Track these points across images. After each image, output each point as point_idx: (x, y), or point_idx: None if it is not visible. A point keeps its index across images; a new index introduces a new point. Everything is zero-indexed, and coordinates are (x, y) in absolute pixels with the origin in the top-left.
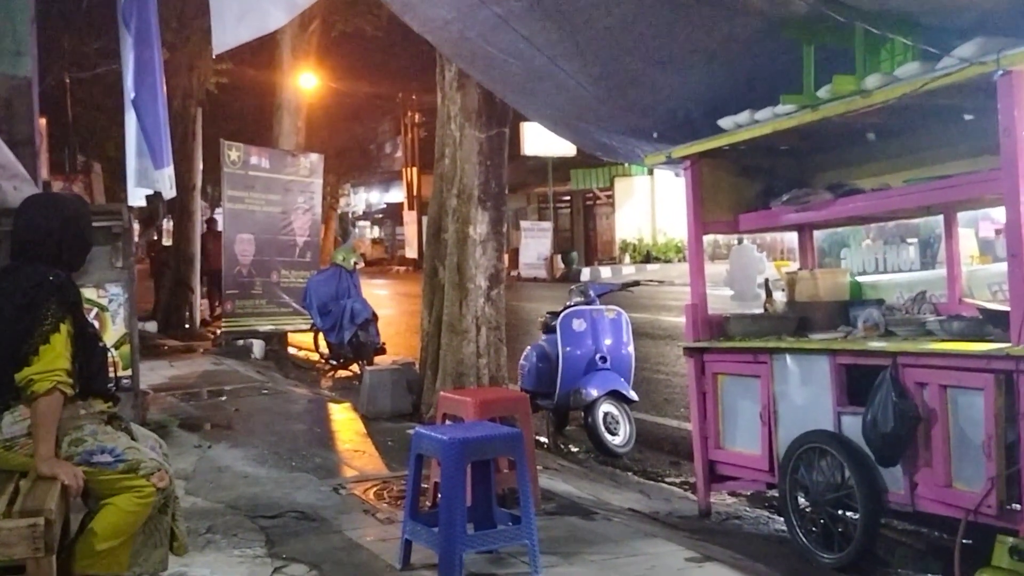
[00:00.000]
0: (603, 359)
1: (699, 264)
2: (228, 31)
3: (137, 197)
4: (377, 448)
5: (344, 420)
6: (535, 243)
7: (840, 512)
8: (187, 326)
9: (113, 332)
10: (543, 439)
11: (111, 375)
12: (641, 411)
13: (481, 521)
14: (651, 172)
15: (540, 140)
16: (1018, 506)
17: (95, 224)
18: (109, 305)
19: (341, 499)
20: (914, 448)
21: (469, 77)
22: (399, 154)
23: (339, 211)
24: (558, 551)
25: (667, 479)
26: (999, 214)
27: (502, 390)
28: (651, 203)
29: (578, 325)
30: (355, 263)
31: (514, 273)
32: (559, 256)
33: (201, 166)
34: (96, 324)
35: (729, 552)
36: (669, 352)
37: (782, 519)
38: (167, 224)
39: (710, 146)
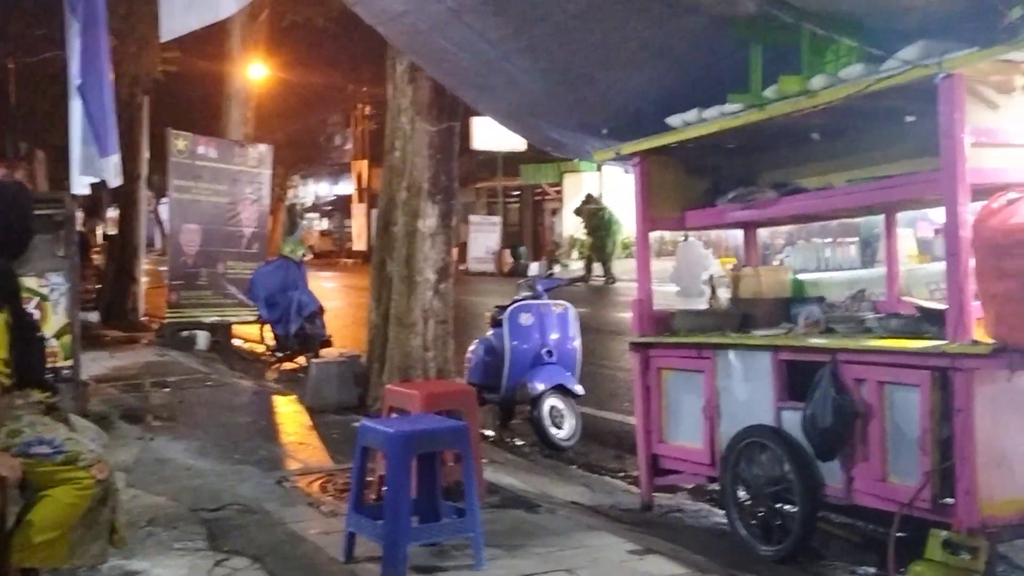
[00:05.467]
0: (549, 353)
1: (646, 260)
2: (176, 19)
3: (81, 185)
4: (322, 441)
5: (289, 412)
6: (484, 237)
7: (779, 505)
8: (131, 317)
9: (54, 322)
10: (489, 432)
11: (50, 365)
12: (586, 405)
13: (426, 514)
14: (600, 168)
15: (490, 134)
16: (951, 500)
17: (37, 212)
18: (50, 295)
19: (285, 492)
20: (851, 443)
21: (420, 70)
22: (349, 146)
23: (287, 203)
24: (502, 544)
25: (611, 473)
26: (938, 215)
27: (449, 383)
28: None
29: (525, 319)
30: (302, 255)
31: (462, 267)
32: (508, 251)
33: (147, 155)
34: (37, 313)
35: (670, 544)
36: (615, 347)
37: (723, 512)
38: (112, 213)
39: (658, 143)
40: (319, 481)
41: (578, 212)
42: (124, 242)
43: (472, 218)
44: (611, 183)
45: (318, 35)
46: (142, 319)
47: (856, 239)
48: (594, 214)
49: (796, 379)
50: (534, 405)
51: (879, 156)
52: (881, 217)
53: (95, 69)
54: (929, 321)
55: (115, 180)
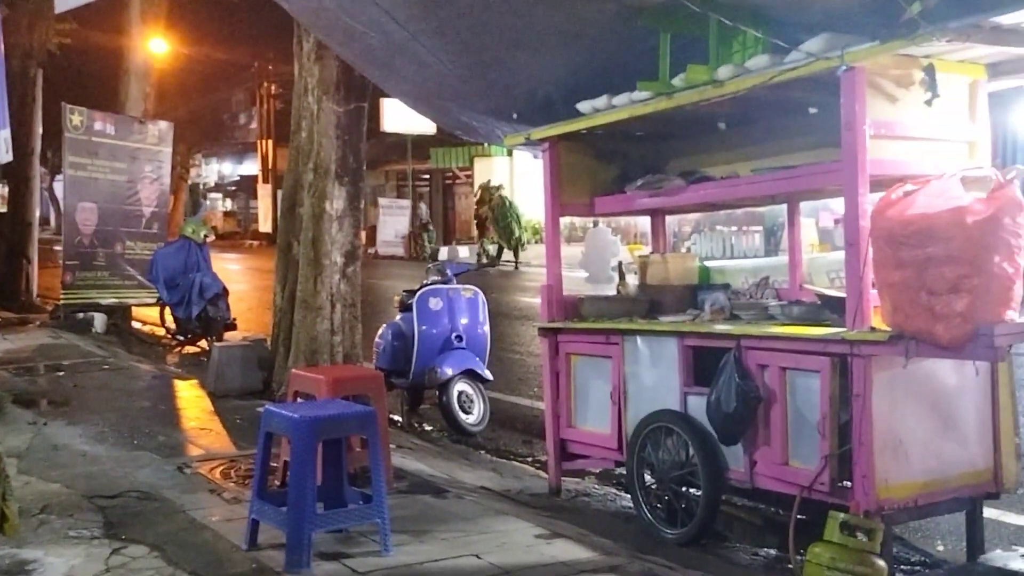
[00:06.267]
0: (459, 338)
1: (555, 246)
2: None
3: None
4: (225, 426)
5: (191, 397)
6: (393, 221)
7: (684, 489)
8: (23, 298)
9: None
10: (397, 418)
11: None
12: (495, 390)
13: (331, 500)
14: (510, 153)
15: (400, 117)
16: (849, 483)
17: None
18: None
19: (186, 478)
20: (754, 428)
21: (328, 49)
22: (254, 125)
23: (190, 182)
24: (409, 529)
25: (519, 457)
26: (838, 205)
27: (356, 368)
28: (510, 184)
29: (434, 304)
30: (205, 236)
31: (371, 250)
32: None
33: (41, 130)
34: None
35: (577, 529)
36: (524, 332)
37: (629, 496)
38: (2, 190)
39: (568, 129)
40: (221, 467)
41: (481, 203)
42: (16, 220)
43: (381, 201)
44: (521, 168)
45: (223, 10)
46: (36, 300)
47: (760, 227)
48: (502, 203)
49: (702, 365)
50: (443, 390)
51: (783, 146)
52: (784, 206)
53: None
54: (829, 309)
55: (5, 156)
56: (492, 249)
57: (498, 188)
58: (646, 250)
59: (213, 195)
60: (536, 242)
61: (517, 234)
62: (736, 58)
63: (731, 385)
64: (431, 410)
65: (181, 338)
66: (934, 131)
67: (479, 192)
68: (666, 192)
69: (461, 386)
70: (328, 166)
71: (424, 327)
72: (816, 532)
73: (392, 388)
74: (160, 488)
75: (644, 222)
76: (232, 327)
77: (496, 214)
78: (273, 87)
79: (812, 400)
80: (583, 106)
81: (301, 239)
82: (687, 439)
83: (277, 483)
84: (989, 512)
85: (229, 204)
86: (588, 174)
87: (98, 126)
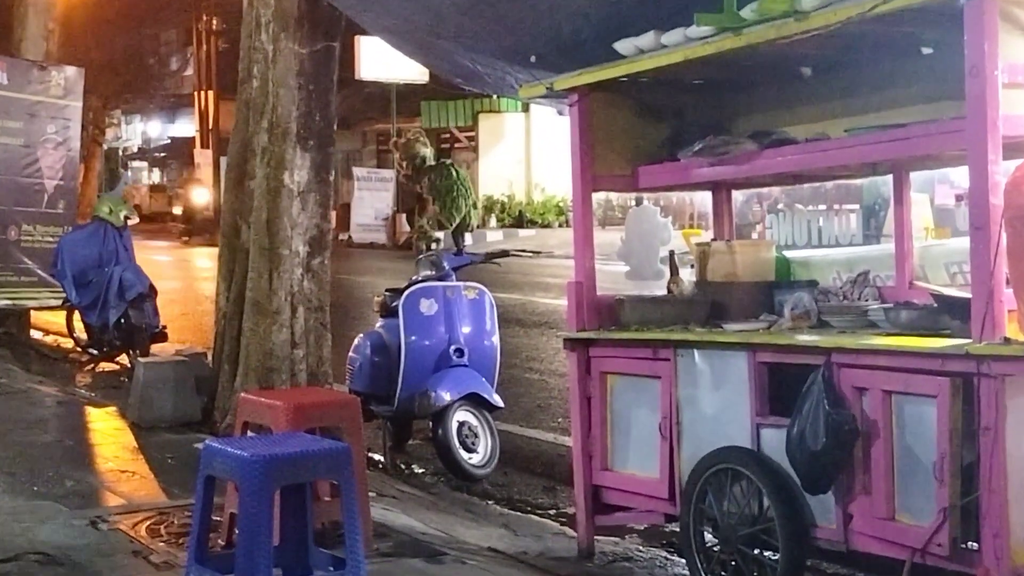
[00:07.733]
0: (459, 352)
1: (586, 230)
2: None
3: None
4: (152, 468)
5: (108, 430)
6: (372, 197)
7: (756, 551)
8: None
9: None
10: (378, 457)
11: None
12: (507, 421)
13: (293, 565)
14: (527, 108)
15: (381, 61)
16: (975, 545)
17: None
18: None
19: (102, 536)
20: (850, 471)
21: None
22: (189, 72)
23: (106, 147)
24: None
25: (539, 510)
26: (961, 176)
27: (324, 391)
28: (526, 149)
29: (427, 307)
30: (126, 217)
31: (344, 236)
32: (404, 215)
33: None
34: None
35: None
36: (546, 344)
37: (684, 561)
38: None
39: (604, 76)
40: (148, 522)
41: (407, 158)
42: None
43: (357, 171)
44: (540, 127)
45: None
46: None
47: (857, 206)
48: (442, 171)
49: (780, 388)
50: (438, 421)
51: (888, 99)
52: (889, 178)
53: None
54: (949, 313)
55: None
56: (435, 233)
57: (422, 149)
58: (706, 236)
59: (136, 164)
60: (561, 225)
61: (465, 211)
62: None
63: (819, 415)
64: (423, 447)
65: (95, 352)
66: None
67: (402, 148)
68: (733, 160)
69: (462, 415)
70: (287, 125)
71: (413, 338)
72: None
73: (372, 418)
74: (68, 549)
75: (703, 199)
76: (162, 337)
77: (438, 186)
78: (215, 22)
79: (926, 434)
80: (623, 46)
81: (252, 221)
82: (760, 486)
83: (221, 542)
84: None
85: (157, 176)
86: (630, 136)
87: None
